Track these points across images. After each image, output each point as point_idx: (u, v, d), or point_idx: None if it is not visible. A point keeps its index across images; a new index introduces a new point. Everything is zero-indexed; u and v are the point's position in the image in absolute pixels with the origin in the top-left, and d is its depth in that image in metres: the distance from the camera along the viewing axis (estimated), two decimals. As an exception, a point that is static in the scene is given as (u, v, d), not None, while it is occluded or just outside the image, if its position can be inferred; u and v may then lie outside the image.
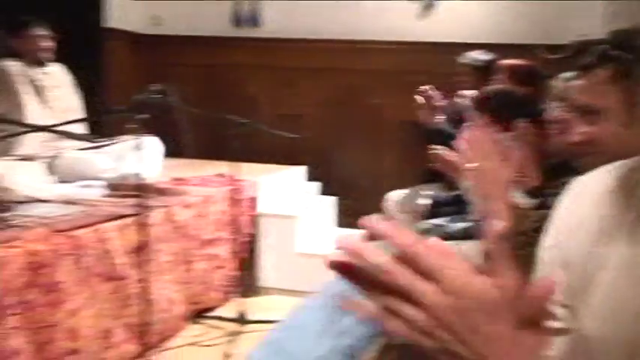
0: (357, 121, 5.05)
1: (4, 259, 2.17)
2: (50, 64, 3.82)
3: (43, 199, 3.04)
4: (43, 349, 2.31)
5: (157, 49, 5.48)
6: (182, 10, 5.44)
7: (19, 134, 3.05)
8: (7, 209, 2.65)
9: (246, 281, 3.74)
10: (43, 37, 3.70)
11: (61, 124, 3.04)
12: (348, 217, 4.54)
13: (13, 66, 3.67)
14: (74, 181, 3.46)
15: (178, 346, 3.07)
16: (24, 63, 3.70)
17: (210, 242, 3.50)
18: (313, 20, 5.10)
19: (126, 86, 4.92)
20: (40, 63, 3.74)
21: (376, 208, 3.46)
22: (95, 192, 3.41)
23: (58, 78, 3.88)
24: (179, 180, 3.83)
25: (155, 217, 3.02)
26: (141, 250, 2.75)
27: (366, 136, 5.03)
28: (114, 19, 5.30)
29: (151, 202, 2.89)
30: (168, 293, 3.11)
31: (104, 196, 3.38)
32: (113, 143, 3.81)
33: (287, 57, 5.20)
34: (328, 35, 5.05)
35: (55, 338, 2.37)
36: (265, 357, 1.58)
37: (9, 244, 2.29)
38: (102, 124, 4.15)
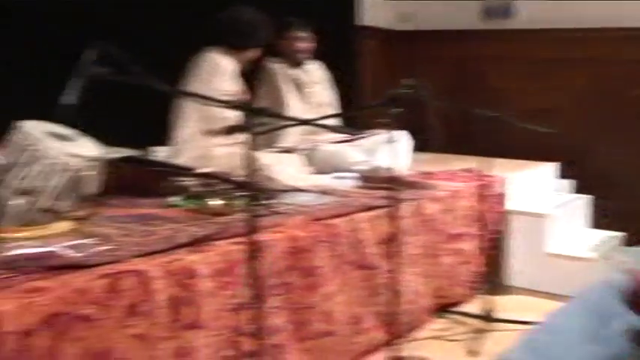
0: (616, 114, 4.72)
1: (270, 243, 2.35)
2: (309, 62, 4.07)
3: (302, 188, 3.25)
4: (301, 329, 2.47)
5: (407, 45, 5.57)
6: (432, 8, 5.48)
7: (283, 127, 3.28)
8: (272, 197, 2.86)
9: (492, 279, 3.67)
10: (304, 39, 3.96)
11: (319, 119, 3.22)
12: (604, 218, 4.26)
13: (277, 64, 3.97)
14: (329, 173, 3.64)
15: (424, 338, 3.11)
16: (286, 62, 3.99)
17: (456, 237, 3.49)
18: (569, 9, 4.85)
19: (379, 82, 5.08)
20: (300, 62, 4.00)
21: (638, 209, 3.21)
22: (349, 183, 3.56)
23: (316, 75, 4.13)
24: (428, 174, 3.87)
25: (405, 209, 3.09)
26: (390, 241, 2.83)
27: (626, 131, 4.67)
28: (367, 17, 5.49)
29: (401, 195, 2.95)
30: (414, 285, 3.15)
31: (357, 188, 3.53)
32: (367, 137, 3.95)
33: (540, 48, 5.01)
34: (584, 24, 4.77)
35: (312, 320, 2.52)
36: (525, 360, 1.53)
37: (273, 229, 2.48)
38: (356, 118, 4.32)
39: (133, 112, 4.74)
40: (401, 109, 2.64)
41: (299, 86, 4.00)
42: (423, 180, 3.67)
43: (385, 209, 2.96)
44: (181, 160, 3.32)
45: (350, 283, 2.75)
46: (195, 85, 3.32)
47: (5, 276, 1.78)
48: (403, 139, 3.80)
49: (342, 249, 2.70)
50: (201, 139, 3.35)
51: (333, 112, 4.06)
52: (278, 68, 3.96)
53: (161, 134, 3.51)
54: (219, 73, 3.35)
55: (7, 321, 1.54)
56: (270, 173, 3.07)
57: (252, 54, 3.59)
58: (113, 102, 4.59)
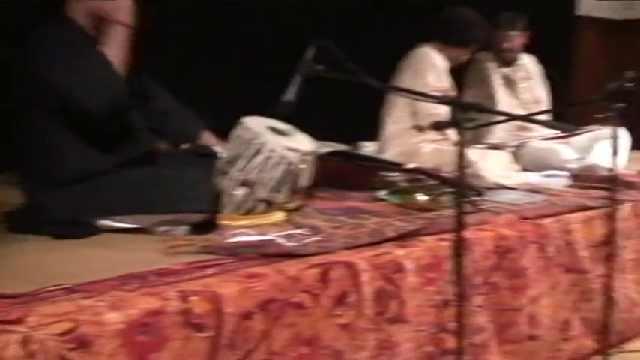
0: None
1: (475, 240, 2.33)
2: (521, 57, 3.97)
3: (510, 186, 3.18)
4: (504, 331, 2.42)
5: (630, 35, 5.22)
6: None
7: (492, 124, 3.23)
8: (479, 194, 2.83)
9: None
10: (514, 37, 3.87)
11: (531, 115, 3.14)
12: None
13: (488, 59, 3.92)
14: (539, 171, 3.53)
15: (637, 350, 2.91)
16: (496, 59, 3.92)
17: (680, 244, 3.22)
18: None
19: (597, 74, 4.81)
20: (510, 60, 3.93)
21: None
22: (560, 182, 3.42)
23: (527, 70, 4.02)
24: (647, 174, 3.62)
25: (621, 211, 2.91)
26: (605, 244, 2.68)
27: None
28: (586, 7, 5.22)
29: (618, 196, 2.78)
30: (629, 293, 2.97)
31: (568, 187, 3.39)
32: (582, 133, 3.78)
33: None
34: None
35: (516, 322, 2.46)
36: None
37: (479, 227, 2.45)
38: (569, 114, 4.14)
39: (346, 107, 4.94)
40: (622, 105, 2.49)
41: (509, 81, 3.92)
42: (640, 180, 3.44)
43: (600, 210, 2.82)
44: (388, 155, 3.40)
45: (558, 286, 2.65)
46: (406, 80, 3.38)
47: (226, 261, 1.93)
48: (621, 136, 3.57)
49: (551, 250, 2.61)
50: (409, 135, 3.40)
51: (545, 107, 3.93)
52: (488, 65, 3.91)
53: (371, 129, 3.60)
54: (431, 69, 3.38)
55: (228, 303, 1.67)
56: (477, 170, 3.03)
57: (464, 53, 3.58)
58: (326, 97, 4.82)
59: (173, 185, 2.24)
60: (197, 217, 2.27)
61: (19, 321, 1.39)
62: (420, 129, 3.37)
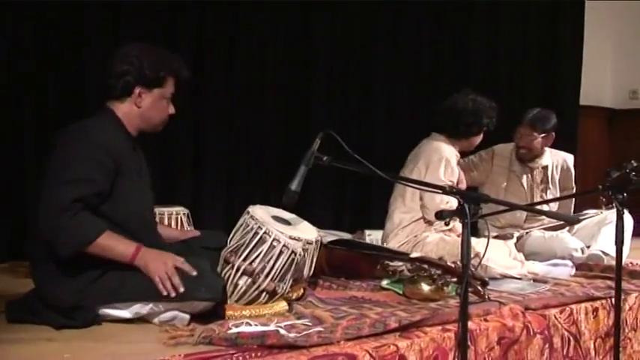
0: None
1: (480, 331, 2.30)
2: (543, 157, 4.02)
3: (514, 276, 3.16)
4: None
5: (631, 124, 5.32)
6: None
7: (497, 213, 3.23)
8: (484, 284, 2.81)
9: None
10: (534, 137, 3.87)
11: (537, 203, 3.14)
12: None
13: (507, 152, 3.99)
14: (543, 260, 3.51)
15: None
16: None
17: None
18: None
19: (597, 162, 4.88)
20: (526, 157, 3.95)
21: None
22: (565, 271, 3.41)
23: (547, 175, 4.04)
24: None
25: (627, 301, 2.89)
26: (611, 335, 2.65)
27: None
28: (589, 96, 5.35)
29: (624, 285, 2.76)
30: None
31: (574, 276, 3.36)
32: (584, 218, 3.79)
33: None
34: None
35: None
36: None
37: (484, 317, 2.43)
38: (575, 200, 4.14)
39: (350, 196, 4.99)
40: (623, 195, 2.51)
41: (525, 183, 3.97)
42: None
43: (606, 300, 2.79)
44: (392, 244, 3.39)
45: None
46: (415, 171, 3.37)
47: (227, 352, 1.91)
48: (625, 222, 3.58)
49: (556, 342, 2.57)
50: (416, 225, 3.39)
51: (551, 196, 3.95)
52: (508, 159, 3.99)
53: (375, 217, 3.60)
54: (440, 161, 3.36)
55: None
56: (481, 259, 3.02)
57: (473, 140, 3.55)
58: (331, 185, 4.89)
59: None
60: (206, 306, 2.26)
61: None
62: (430, 222, 3.36)
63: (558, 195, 4.00)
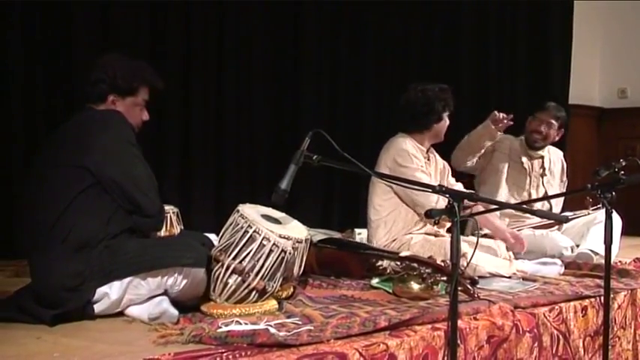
0: None
1: (469, 330, 2.30)
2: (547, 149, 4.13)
3: (503, 274, 3.17)
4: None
5: (620, 123, 5.36)
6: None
7: (485, 212, 3.23)
8: (473, 282, 2.81)
9: None
10: (553, 125, 4.00)
11: (526, 202, 3.15)
12: None
13: (510, 142, 4.07)
14: (532, 258, 3.52)
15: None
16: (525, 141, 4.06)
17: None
18: None
19: (586, 161, 4.90)
20: (538, 144, 4.04)
21: None
22: (554, 270, 3.41)
23: (546, 167, 4.09)
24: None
25: (616, 300, 2.90)
26: (600, 334, 2.66)
27: None
28: (578, 95, 5.38)
29: (613, 284, 2.77)
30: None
31: (563, 275, 3.38)
32: (573, 218, 3.81)
33: None
34: None
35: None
36: None
37: (474, 316, 2.43)
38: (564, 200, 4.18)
39: (339, 194, 5.00)
40: (612, 194, 2.52)
41: (523, 172, 4.00)
42: (636, 268, 3.43)
43: (595, 299, 2.80)
44: (378, 243, 3.38)
45: (554, 376, 2.60)
46: (384, 169, 3.35)
47: (216, 351, 1.90)
48: (614, 222, 3.59)
49: (545, 340, 2.58)
50: (398, 223, 3.38)
51: (540, 195, 3.99)
52: (510, 148, 4.07)
53: (366, 216, 3.58)
54: (405, 158, 3.33)
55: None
56: (470, 258, 3.03)
57: (438, 129, 3.49)
58: (321, 184, 4.89)
59: (174, 242, 2.43)
60: (191, 299, 2.35)
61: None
62: (411, 218, 3.35)
63: (557, 183, 4.12)
